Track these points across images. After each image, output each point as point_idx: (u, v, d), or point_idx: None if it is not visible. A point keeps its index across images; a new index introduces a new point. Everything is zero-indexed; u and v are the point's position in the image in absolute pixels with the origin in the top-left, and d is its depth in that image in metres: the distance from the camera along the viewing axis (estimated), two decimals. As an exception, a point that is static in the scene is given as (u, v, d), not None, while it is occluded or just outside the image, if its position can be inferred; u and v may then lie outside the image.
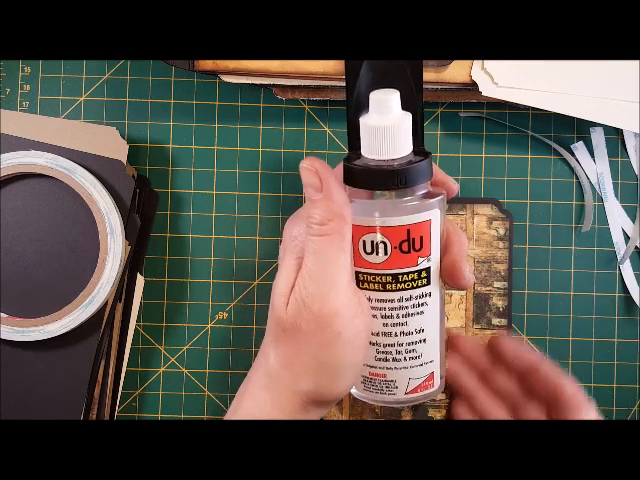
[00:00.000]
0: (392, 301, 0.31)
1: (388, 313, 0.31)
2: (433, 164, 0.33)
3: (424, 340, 0.31)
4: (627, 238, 0.42)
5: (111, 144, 0.40)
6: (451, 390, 0.40)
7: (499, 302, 0.42)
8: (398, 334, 0.31)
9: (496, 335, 0.38)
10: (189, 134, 0.43)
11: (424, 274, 0.30)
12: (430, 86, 0.39)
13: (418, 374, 0.32)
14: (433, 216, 0.30)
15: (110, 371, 0.41)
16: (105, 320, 0.40)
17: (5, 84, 0.42)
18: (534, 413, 0.37)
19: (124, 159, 0.40)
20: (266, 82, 0.39)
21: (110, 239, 0.39)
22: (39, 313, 0.39)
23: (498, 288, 0.42)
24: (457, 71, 0.38)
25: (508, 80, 0.38)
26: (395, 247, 0.30)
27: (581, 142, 0.42)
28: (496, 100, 0.39)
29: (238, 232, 0.43)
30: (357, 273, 0.31)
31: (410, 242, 0.30)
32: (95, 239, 0.39)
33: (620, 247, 0.42)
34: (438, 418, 0.41)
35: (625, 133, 0.42)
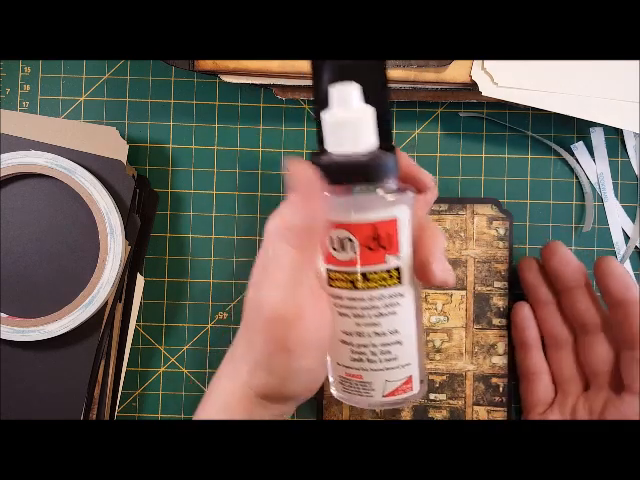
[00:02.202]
0: (362, 300, 0.30)
1: (359, 312, 0.30)
2: (409, 159, 0.32)
3: (399, 342, 0.31)
4: (627, 238, 0.42)
5: (111, 144, 0.40)
6: (526, 298, 0.41)
7: (499, 302, 0.42)
8: (371, 334, 0.30)
9: (609, 257, 0.37)
10: (189, 134, 0.43)
11: (394, 273, 0.30)
12: (430, 86, 0.39)
13: (395, 377, 0.31)
14: (400, 214, 0.29)
15: (110, 371, 0.41)
16: (105, 320, 0.40)
17: (5, 84, 0.42)
18: (599, 345, 0.37)
19: (124, 159, 0.40)
20: (266, 82, 0.39)
21: (110, 239, 0.39)
22: (39, 313, 0.39)
23: (498, 288, 0.42)
24: (457, 71, 0.38)
25: (508, 80, 0.38)
26: (362, 244, 0.29)
27: (581, 142, 0.42)
28: (496, 100, 0.39)
29: (238, 232, 0.42)
30: (327, 271, 0.31)
31: (377, 240, 0.29)
32: (95, 239, 0.39)
33: (620, 247, 0.42)
34: (438, 418, 0.41)
35: (625, 133, 0.42)
